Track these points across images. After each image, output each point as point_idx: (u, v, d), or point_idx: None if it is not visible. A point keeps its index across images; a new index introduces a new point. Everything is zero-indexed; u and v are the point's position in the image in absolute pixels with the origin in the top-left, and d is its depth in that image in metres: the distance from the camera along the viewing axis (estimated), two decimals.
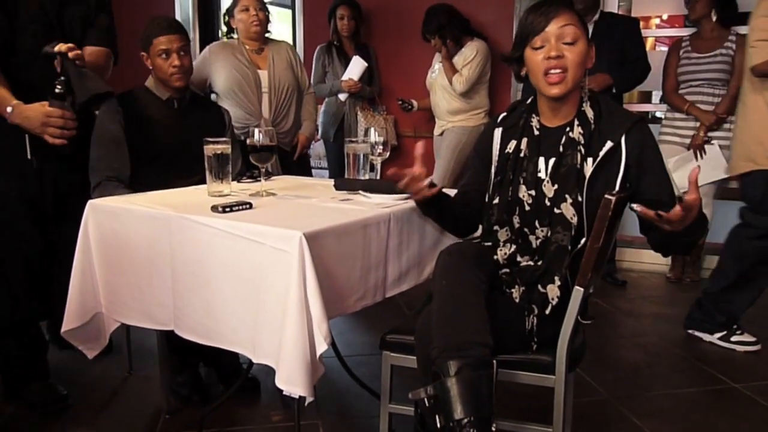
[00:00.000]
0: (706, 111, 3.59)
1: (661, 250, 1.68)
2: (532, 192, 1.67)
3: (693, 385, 2.48)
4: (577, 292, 1.53)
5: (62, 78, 2.04)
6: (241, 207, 1.79)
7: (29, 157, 2.16)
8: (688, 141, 3.67)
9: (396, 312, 3.01)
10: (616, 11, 4.16)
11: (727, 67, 3.55)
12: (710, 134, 3.60)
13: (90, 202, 1.98)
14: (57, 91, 2.03)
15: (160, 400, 2.21)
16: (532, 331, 1.60)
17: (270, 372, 1.59)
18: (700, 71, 3.61)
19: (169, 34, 2.35)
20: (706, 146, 3.60)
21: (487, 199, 1.77)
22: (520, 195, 1.68)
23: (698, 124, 3.62)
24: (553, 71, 1.59)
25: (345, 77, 4.13)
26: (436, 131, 4.14)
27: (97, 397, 2.32)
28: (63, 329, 1.99)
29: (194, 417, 2.18)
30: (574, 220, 1.59)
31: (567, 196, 1.60)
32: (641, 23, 3.94)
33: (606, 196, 1.45)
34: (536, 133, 1.71)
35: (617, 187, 1.57)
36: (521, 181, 1.68)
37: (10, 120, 2.04)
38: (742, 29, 3.69)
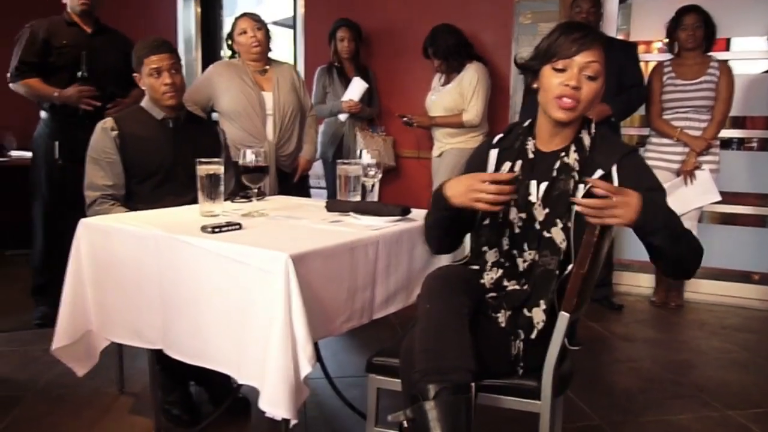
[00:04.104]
0: (696, 137, 3.59)
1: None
2: (523, 215, 1.68)
3: (686, 411, 2.46)
4: (563, 317, 1.52)
5: (83, 69, 3.13)
6: (230, 228, 1.81)
7: (56, 157, 3.21)
8: (675, 166, 3.66)
9: (390, 333, 3.00)
10: (614, 35, 4.18)
11: (712, 94, 3.58)
12: (699, 159, 3.60)
13: (82, 221, 2.01)
14: (84, 76, 3.13)
15: (151, 419, 2.20)
16: (519, 356, 1.59)
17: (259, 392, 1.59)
18: (687, 98, 3.62)
19: (160, 53, 2.39)
20: (696, 172, 3.60)
21: (477, 221, 1.77)
22: (511, 217, 1.69)
23: (685, 149, 3.63)
24: (566, 99, 1.60)
25: (345, 98, 4.15)
26: (435, 152, 4.15)
27: (88, 415, 2.31)
28: (53, 347, 2.01)
29: None
30: (563, 245, 1.59)
31: (558, 220, 1.61)
32: (643, 48, 3.95)
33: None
34: (531, 156, 1.72)
35: None
36: (512, 203, 1.69)
37: (58, 100, 3.14)
38: (720, 55, 3.73)
